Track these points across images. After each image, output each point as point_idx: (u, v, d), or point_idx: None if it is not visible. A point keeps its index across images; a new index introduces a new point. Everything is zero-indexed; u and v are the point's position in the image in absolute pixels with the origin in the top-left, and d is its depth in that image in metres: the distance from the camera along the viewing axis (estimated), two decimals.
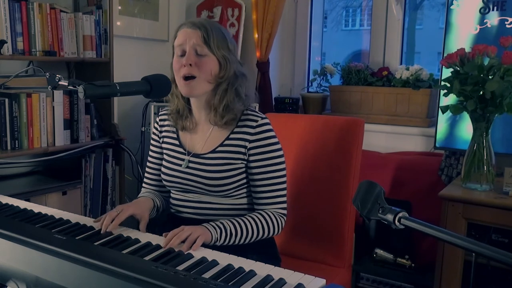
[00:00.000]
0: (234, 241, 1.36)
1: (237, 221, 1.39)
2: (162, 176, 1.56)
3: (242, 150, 1.46)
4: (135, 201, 1.50)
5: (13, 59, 2.29)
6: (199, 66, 1.41)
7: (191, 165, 1.50)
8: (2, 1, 2.17)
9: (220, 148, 1.48)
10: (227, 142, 1.48)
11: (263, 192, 1.47)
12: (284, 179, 1.49)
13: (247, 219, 1.41)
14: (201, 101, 1.49)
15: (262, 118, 1.48)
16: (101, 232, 1.26)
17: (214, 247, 1.22)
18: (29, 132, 2.26)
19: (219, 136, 1.49)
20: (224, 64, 1.44)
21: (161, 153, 1.61)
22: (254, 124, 1.46)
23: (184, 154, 1.53)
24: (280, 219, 1.47)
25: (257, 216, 1.43)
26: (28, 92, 2.26)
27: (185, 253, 1.16)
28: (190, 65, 1.41)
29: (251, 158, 1.46)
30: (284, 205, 1.50)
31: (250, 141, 1.46)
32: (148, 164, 1.65)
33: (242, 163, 1.47)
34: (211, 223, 1.34)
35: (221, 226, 1.34)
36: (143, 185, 1.66)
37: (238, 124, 1.47)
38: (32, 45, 2.30)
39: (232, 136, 1.47)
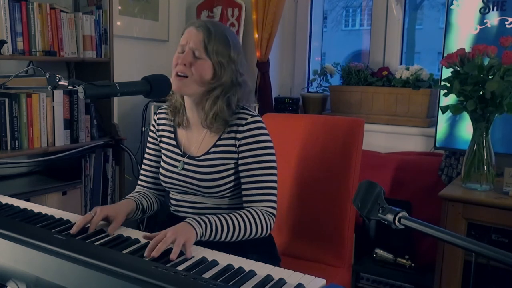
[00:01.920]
0: (220, 237, 1.33)
1: (223, 216, 1.35)
2: (160, 177, 1.56)
3: (233, 149, 1.46)
4: (115, 203, 1.48)
5: (13, 59, 2.29)
6: (192, 67, 1.41)
7: (186, 167, 1.50)
8: (2, 1, 2.17)
9: (213, 149, 1.48)
10: (219, 142, 1.47)
11: (251, 189, 1.44)
12: (274, 177, 1.46)
13: (233, 215, 1.37)
14: (192, 101, 1.49)
15: (253, 116, 1.47)
16: (72, 232, 1.23)
17: (214, 247, 1.22)
18: (29, 132, 2.26)
19: (212, 137, 1.49)
20: (219, 71, 1.43)
21: (158, 151, 1.61)
22: (243, 122, 1.45)
23: (180, 155, 1.53)
24: (269, 218, 1.42)
25: (244, 213, 1.39)
26: (28, 92, 2.26)
27: (174, 260, 1.11)
28: (185, 65, 1.41)
29: (241, 154, 1.45)
30: (273, 204, 1.45)
31: (239, 139, 1.45)
32: (144, 161, 1.65)
33: (235, 162, 1.47)
34: (195, 218, 1.30)
35: (206, 221, 1.30)
36: (138, 182, 1.65)
37: (228, 124, 1.47)
38: (32, 45, 2.30)
39: (223, 136, 1.47)
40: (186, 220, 1.28)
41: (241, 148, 1.45)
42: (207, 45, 1.41)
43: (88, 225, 1.28)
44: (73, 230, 1.25)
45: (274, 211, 1.45)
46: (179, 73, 1.42)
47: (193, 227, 1.26)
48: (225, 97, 1.45)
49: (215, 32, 1.42)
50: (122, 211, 1.39)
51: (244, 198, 1.46)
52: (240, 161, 1.46)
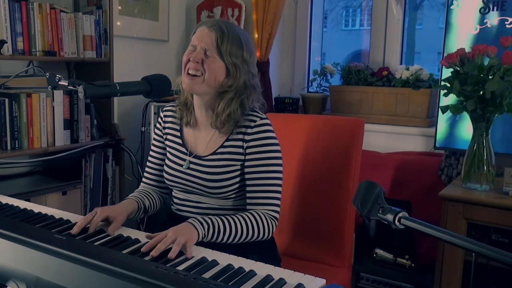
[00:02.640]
0: (222, 238, 1.33)
1: (226, 218, 1.35)
2: (164, 175, 1.56)
3: (240, 150, 1.45)
4: (116, 204, 1.48)
5: (13, 59, 2.29)
6: (204, 64, 1.39)
7: (192, 166, 1.49)
8: (2, 1, 2.17)
9: (220, 150, 1.47)
10: (226, 143, 1.47)
11: (256, 192, 1.44)
12: (279, 181, 1.46)
13: (236, 217, 1.37)
14: (203, 101, 1.48)
15: (262, 118, 1.46)
16: (73, 232, 1.23)
17: (214, 247, 1.22)
18: (29, 132, 2.26)
19: (220, 138, 1.48)
20: (233, 72, 1.41)
21: (164, 148, 1.61)
22: (252, 124, 1.45)
23: (186, 154, 1.52)
24: (271, 222, 1.42)
25: (247, 216, 1.39)
26: (28, 92, 2.26)
27: (174, 260, 1.11)
28: (197, 62, 1.39)
29: (247, 157, 1.45)
30: (277, 208, 1.45)
31: (247, 141, 1.44)
32: (149, 158, 1.64)
33: (241, 164, 1.46)
34: (198, 218, 1.30)
35: (209, 221, 1.30)
36: (143, 179, 1.65)
37: (237, 125, 1.46)
38: (32, 45, 2.30)
39: (231, 137, 1.46)
40: (189, 220, 1.28)
41: (248, 150, 1.45)
42: (220, 46, 1.39)
43: (89, 225, 1.28)
44: (75, 230, 1.24)
45: (277, 215, 1.45)
46: (191, 72, 1.40)
47: (195, 227, 1.26)
48: (239, 100, 1.43)
49: (228, 32, 1.40)
50: (122, 212, 1.39)
51: (248, 201, 1.46)
52: (246, 163, 1.45)
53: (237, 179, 1.46)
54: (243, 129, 1.45)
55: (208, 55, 1.40)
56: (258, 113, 1.48)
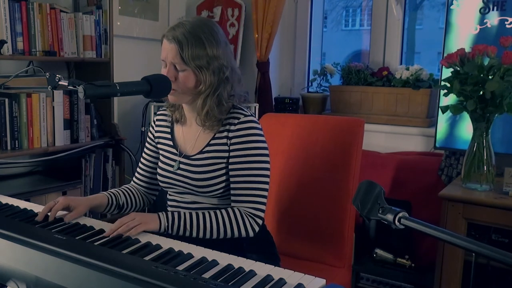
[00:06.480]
0: (191, 232, 1.36)
1: (197, 213, 1.38)
2: (158, 177, 1.57)
3: (225, 148, 1.45)
4: (85, 196, 1.56)
5: (13, 59, 2.29)
6: (176, 81, 1.41)
7: (182, 166, 1.50)
8: (2, 1, 2.17)
9: (207, 148, 1.48)
10: (212, 141, 1.47)
11: (238, 189, 1.43)
12: (263, 178, 1.44)
13: (209, 213, 1.39)
14: (186, 104, 1.51)
15: (246, 116, 1.46)
16: (38, 219, 1.33)
17: (213, 246, 1.21)
18: (29, 132, 2.26)
19: (206, 136, 1.49)
20: (199, 76, 1.40)
21: (154, 151, 1.63)
22: (235, 121, 1.45)
23: (176, 155, 1.53)
24: (249, 219, 1.40)
25: (221, 212, 1.39)
26: (28, 92, 2.26)
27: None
28: (172, 81, 1.41)
29: (231, 153, 1.44)
30: (259, 206, 1.42)
31: (231, 138, 1.44)
32: (141, 159, 1.68)
33: (226, 161, 1.46)
34: (169, 211, 1.36)
35: (175, 215, 1.36)
36: (133, 178, 1.69)
37: (223, 123, 1.46)
38: (32, 45, 2.30)
39: (217, 135, 1.47)
40: (160, 212, 1.35)
41: (232, 147, 1.45)
42: (182, 56, 1.38)
43: (65, 214, 1.36)
44: (39, 217, 1.33)
45: (258, 213, 1.42)
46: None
47: (159, 217, 1.33)
48: (214, 95, 1.43)
49: (187, 38, 1.38)
50: (85, 203, 1.44)
51: (232, 198, 1.46)
52: (230, 160, 1.45)
53: (224, 177, 1.46)
54: (227, 127, 1.46)
55: (178, 69, 1.41)
56: (244, 110, 1.48)
